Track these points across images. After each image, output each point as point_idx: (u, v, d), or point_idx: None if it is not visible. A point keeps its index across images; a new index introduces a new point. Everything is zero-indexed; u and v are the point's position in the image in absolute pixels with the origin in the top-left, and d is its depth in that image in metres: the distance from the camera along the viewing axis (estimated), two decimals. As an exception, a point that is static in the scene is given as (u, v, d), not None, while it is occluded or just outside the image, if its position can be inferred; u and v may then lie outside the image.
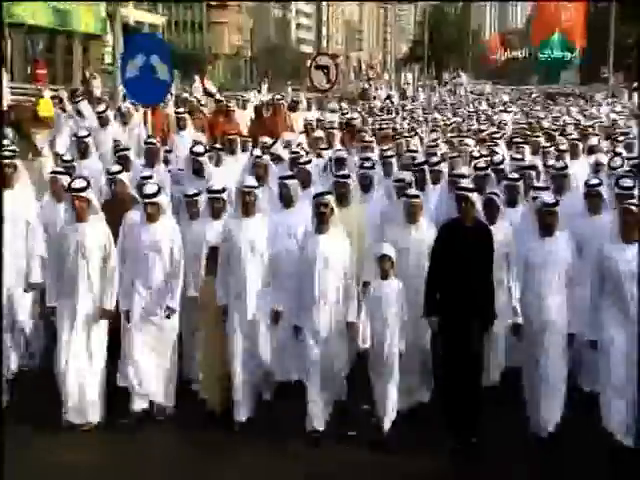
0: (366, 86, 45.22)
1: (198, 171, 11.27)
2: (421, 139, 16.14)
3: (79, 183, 8.80)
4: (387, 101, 33.06)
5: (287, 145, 13.47)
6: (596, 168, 12.41)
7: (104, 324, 8.77)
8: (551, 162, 12.35)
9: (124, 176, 9.80)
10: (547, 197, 8.58)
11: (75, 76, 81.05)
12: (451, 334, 8.20)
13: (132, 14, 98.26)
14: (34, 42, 78.30)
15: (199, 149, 11.58)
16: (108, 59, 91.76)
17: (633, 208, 7.88)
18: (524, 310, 8.54)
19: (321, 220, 8.25)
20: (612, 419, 7.98)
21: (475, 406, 8.18)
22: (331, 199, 8.40)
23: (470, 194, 8.24)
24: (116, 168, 9.96)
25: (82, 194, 8.60)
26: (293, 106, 21.87)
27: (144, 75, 15.47)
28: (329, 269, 8.24)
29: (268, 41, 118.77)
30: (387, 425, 8.31)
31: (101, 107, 16.12)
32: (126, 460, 8.32)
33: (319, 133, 15.57)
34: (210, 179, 10.85)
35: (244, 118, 19.98)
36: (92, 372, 8.70)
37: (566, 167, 10.93)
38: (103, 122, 15.22)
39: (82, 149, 12.29)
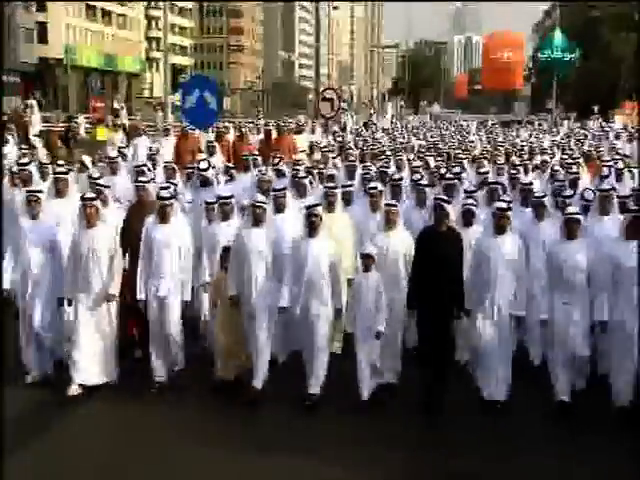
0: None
1: (204, 183, 11.07)
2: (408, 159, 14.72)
3: (89, 194, 8.73)
4: (373, 126, 32.55)
5: (296, 163, 12.98)
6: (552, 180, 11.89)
7: (113, 306, 8.50)
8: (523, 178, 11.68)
9: (149, 185, 9.49)
10: (502, 203, 8.34)
11: (105, 108, 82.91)
12: (428, 320, 7.96)
13: (169, 58, 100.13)
14: (89, 81, 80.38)
15: (204, 165, 11.41)
16: (147, 93, 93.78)
17: (575, 216, 7.93)
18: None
19: (312, 227, 8.13)
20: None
21: (444, 375, 7.97)
22: (320, 210, 8.29)
23: (444, 204, 8.09)
24: (145, 178, 9.65)
25: (92, 202, 8.40)
26: (299, 130, 21.72)
27: (199, 106, 17.38)
28: (318, 266, 8.11)
29: (276, 78, 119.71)
30: (366, 393, 8.08)
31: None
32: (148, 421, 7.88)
33: (317, 155, 15.43)
34: (215, 189, 10.72)
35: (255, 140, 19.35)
36: (104, 341, 8.47)
37: (531, 183, 10.48)
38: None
39: (113, 168, 12.13)
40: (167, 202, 8.46)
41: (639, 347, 7.60)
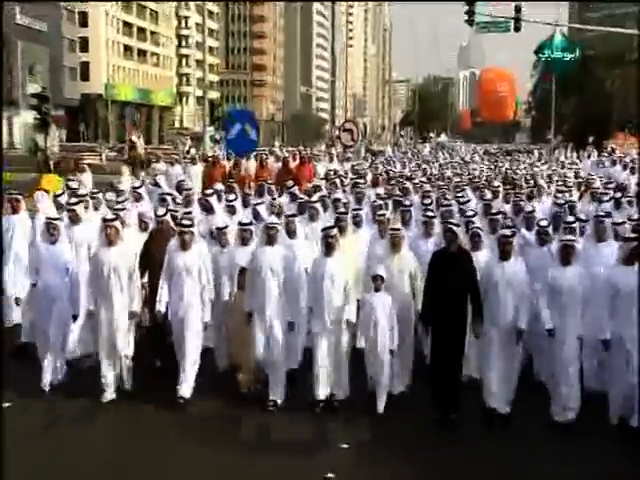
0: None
1: (208, 209, 10.86)
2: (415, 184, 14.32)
3: (109, 215, 8.78)
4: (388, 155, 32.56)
5: (308, 189, 13.02)
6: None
7: (131, 321, 8.45)
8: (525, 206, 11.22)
9: (167, 217, 9.29)
10: (506, 230, 8.37)
11: (153, 136, 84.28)
12: (440, 335, 7.86)
13: (196, 91, 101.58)
14: (130, 113, 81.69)
15: (208, 192, 11.20)
16: (177, 124, 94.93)
17: (570, 242, 7.89)
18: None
19: (328, 247, 8.13)
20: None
21: (456, 390, 7.82)
22: (336, 231, 8.28)
23: (455, 227, 8.08)
24: (162, 212, 9.36)
25: (112, 223, 8.41)
26: (319, 158, 22.02)
27: (240, 136, 18.24)
28: (334, 283, 8.08)
29: (295, 110, 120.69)
30: (380, 406, 7.98)
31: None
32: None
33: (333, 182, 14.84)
34: (218, 216, 10.52)
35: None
36: (123, 352, 8.42)
37: (534, 210, 10.33)
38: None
39: (136, 196, 11.91)
40: (186, 229, 8.38)
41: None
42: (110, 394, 8.34)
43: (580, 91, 60.44)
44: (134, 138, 28.25)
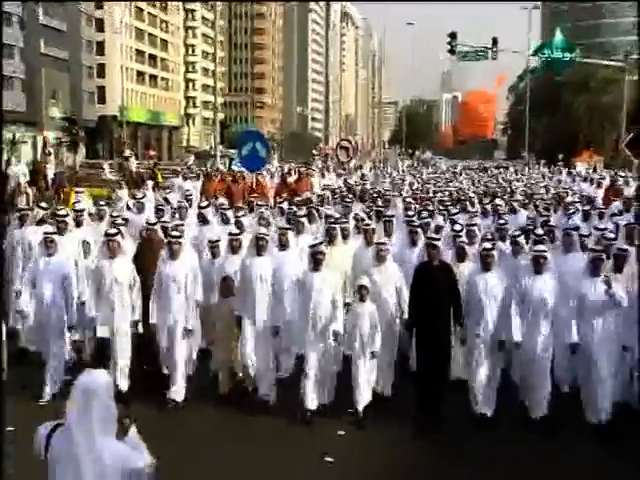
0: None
1: (203, 220, 10.77)
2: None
3: (112, 230, 8.55)
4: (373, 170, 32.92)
5: (297, 202, 13.14)
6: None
7: (129, 330, 8.22)
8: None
9: (157, 226, 9.17)
10: (487, 244, 8.27)
11: (163, 154, 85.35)
12: (425, 341, 7.77)
13: (203, 113, 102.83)
14: (138, 133, 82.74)
15: (203, 204, 11.27)
16: (184, 143, 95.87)
17: (542, 253, 7.80)
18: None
19: (316, 262, 7.90)
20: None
21: (440, 390, 7.72)
22: (323, 247, 8.06)
23: (436, 242, 7.91)
24: (153, 220, 9.34)
25: (114, 238, 8.23)
26: (314, 173, 22.52)
27: (252, 154, 18.66)
28: (321, 297, 7.87)
29: (292, 129, 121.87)
30: (361, 407, 7.81)
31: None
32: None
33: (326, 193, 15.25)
34: (214, 227, 10.42)
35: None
36: (124, 360, 8.20)
37: (506, 222, 10.52)
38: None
39: (139, 207, 11.78)
40: (175, 240, 8.27)
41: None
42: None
43: (551, 113, 62.19)
44: (127, 154, 27.00)
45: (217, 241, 9.07)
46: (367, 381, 7.89)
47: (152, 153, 49.89)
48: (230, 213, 11.03)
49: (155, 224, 9.21)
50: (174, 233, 8.43)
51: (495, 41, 35.68)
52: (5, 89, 50.33)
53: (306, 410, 7.79)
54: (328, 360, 7.95)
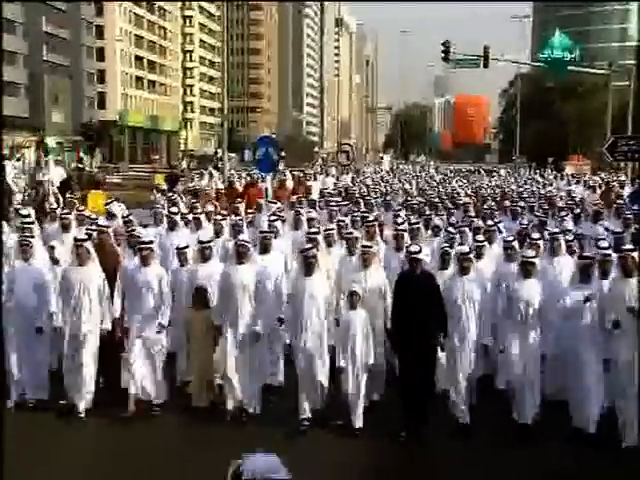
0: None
1: (173, 227, 10.45)
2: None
3: (81, 235, 8.31)
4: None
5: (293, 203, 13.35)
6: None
7: (96, 339, 7.94)
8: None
9: (110, 229, 9.15)
10: (464, 247, 8.14)
11: (162, 158, 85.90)
12: (409, 351, 7.47)
13: (200, 118, 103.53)
14: (138, 138, 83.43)
15: (174, 210, 10.92)
16: (182, 147, 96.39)
17: (530, 259, 7.64)
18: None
19: (308, 267, 7.66)
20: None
21: (426, 403, 7.49)
22: (315, 251, 7.83)
23: (417, 256, 7.54)
24: (103, 223, 9.32)
25: (83, 244, 7.95)
26: (314, 176, 23.14)
27: (265, 157, 19.71)
28: (315, 302, 7.65)
29: (288, 133, 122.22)
30: (358, 422, 7.54)
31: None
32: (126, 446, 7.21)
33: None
34: (182, 234, 10.21)
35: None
36: (87, 369, 7.90)
37: (495, 224, 10.32)
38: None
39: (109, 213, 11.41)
40: (145, 246, 8.04)
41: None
42: (82, 406, 7.83)
43: (541, 118, 62.96)
44: (81, 155, 26.93)
45: (186, 247, 8.76)
46: (360, 397, 7.54)
47: (155, 157, 50.71)
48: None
49: (107, 227, 9.17)
50: (144, 239, 8.30)
51: (486, 49, 36.55)
52: (10, 96, 50.93)
53: (302, 419, 7.60)
54: (323, 369, 7.69)
